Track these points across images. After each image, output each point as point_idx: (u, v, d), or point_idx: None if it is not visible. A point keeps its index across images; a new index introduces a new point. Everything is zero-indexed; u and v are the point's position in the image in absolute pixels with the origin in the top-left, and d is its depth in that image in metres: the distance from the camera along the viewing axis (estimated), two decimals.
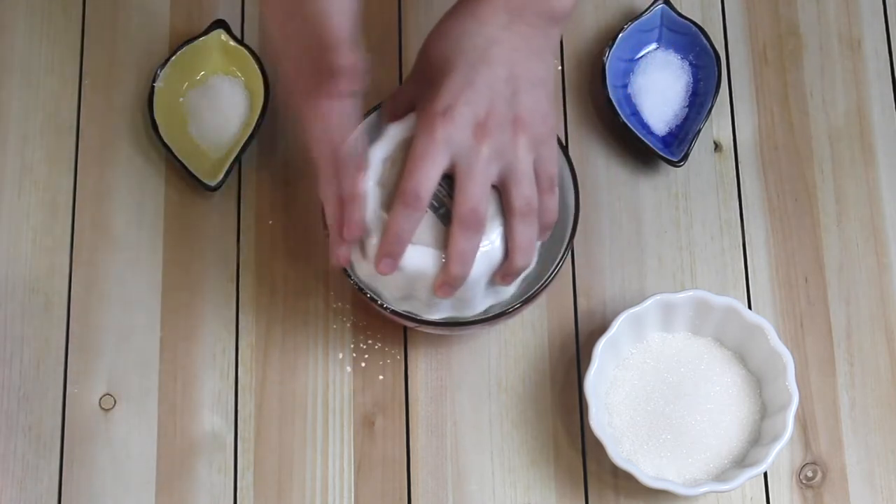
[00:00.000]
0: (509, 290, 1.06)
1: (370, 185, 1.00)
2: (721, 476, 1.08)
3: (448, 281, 0.99)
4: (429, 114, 0.97)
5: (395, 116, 1.03)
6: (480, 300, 1.05)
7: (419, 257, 1.00)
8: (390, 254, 0.99)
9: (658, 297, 1.10)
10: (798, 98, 1.22)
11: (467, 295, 1.03)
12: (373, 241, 1.00)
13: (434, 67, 0.99)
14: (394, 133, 1.02)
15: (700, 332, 1.12)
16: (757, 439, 1.10)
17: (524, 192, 0.98)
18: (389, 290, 1.04)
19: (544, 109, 0.99)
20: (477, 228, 0.98)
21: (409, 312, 1.08)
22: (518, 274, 1.02)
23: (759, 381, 1.11)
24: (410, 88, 1.02)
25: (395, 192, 0.99)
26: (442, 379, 1.15)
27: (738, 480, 1.06)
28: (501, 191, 0.99)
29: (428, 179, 0.96)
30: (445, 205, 0.99)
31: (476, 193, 0.97)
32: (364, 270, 1.04)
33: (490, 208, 0.99)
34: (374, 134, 1.03)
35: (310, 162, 1.00)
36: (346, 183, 0.99)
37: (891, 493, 1.12)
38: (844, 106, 1.22)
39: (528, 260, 1.01)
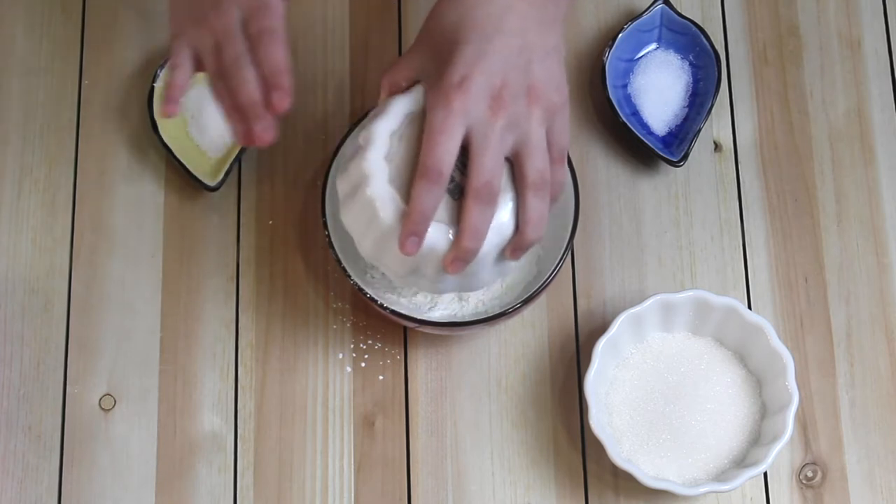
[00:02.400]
0: (514, 265, 1.04)
1: (378, 160, 0.99)
2: (721, 476, 1.08)
3: (460, 256, 0.98)
4: (443, 85, 0.95)
5: (396, 89, 1.01)
6: (487, 275, 1.03)
7: (431, 233, 0.98)
8: (416, 232, 0.97)
9: (658, 297, 1.10)
10: (798, 98, 1.22)
11: (475, 269, 1.01)
12: (380, 215, 0.98)
13: (444, 37, 0.97)
14: (399, 107, 0.99)
15: (700, 332, 1.12)
16: (757, 439, 1.10)
17: (537, 164, 0.97)
18: (394, 267, 1.02)
19: (558, 79, 0.98)
20: (491, 202, 0.96)
21: (408, 312, 1.08)
22: (528, 248, 1.00)
23: (759, 381, 1.11)
24: (414, 60, 1.00)
25: (412, 167, 0.97)
26: (442, 379, 1.15)
27: (738, 480, 1.06)
28: (514, 163, 0.98)
29: (448, 153, 0.95)
30: (454, 178, 0.98)
31: (491, 166, 0.95)
32: (367, 247, 1.02)
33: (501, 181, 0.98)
34: (377, 109, 1.01)
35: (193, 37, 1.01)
36: (278, 55, 0.99)
37: (891, 493, 1.12)
38: (844, 106, 1.22)
39: (540, 233, 0.99)
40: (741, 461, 1.09)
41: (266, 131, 0.99)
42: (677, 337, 1.13)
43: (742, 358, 1.12)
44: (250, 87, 0.99)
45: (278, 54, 0.99)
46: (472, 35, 0.96)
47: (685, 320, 1.12)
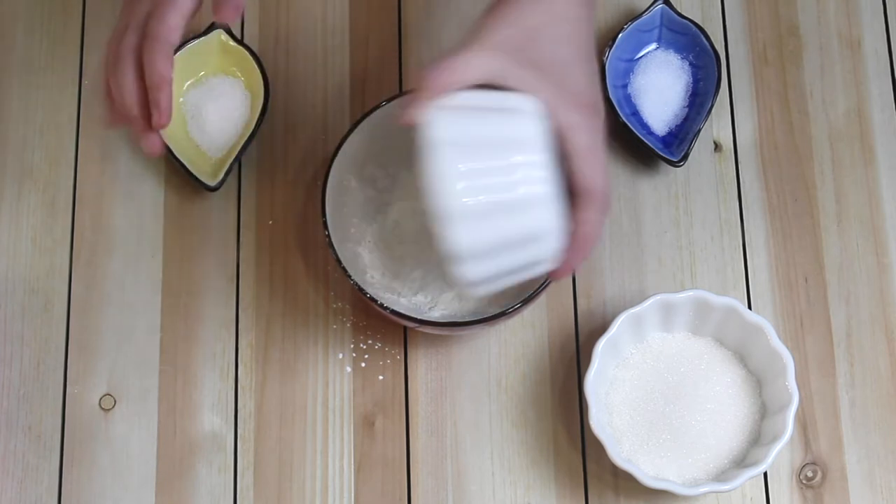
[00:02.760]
0: None
1: (548, 181, 0.92)
2: (721, 476, 1.08)
3: (577, 264, 0.96)
4: (582, 105, 0.94)
5: (445, 90, 0.92)
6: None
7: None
8: (581, 258, 0.96)
9: (658, 297, 1.10)
10: (798, 98, 1.22)
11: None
12: (543, 227, 0.92)
13: (551, 53, 0.95)
14: (534, 129, 0.92)
15: (700, 332, 1.12)
16: (757, 439, 1.10)
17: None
18: (482, 270, 0.94)
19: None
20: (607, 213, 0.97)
21: (408, 312, 1.09)
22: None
23: (759, 381, 1.11)
24: (489, 64, 0.93)
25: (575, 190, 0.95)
26: (442, 379, 1.15)
27: (738, 480, 1.06)
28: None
29: (607, 175, 0.95)
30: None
31: (607, 178, 0.96)
32: (463, 236, 0.92)
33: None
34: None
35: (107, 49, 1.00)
36: (157, 66, 0.97)
37: (891, 493, 1.12)
38: (844, 106, 1.22)
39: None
40: (741, 461, 1.09)
41: (152, 147, 1.01)
42: (677, 337, 1.13)
43: (742, 358, 1.12)
44: (128, 96, 0.99)
45: (159, 65, 0.98)
46: (586, 55, 0.96)
47: (685, 320, 1.12)
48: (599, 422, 1.08)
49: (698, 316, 1.12)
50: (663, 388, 1.11)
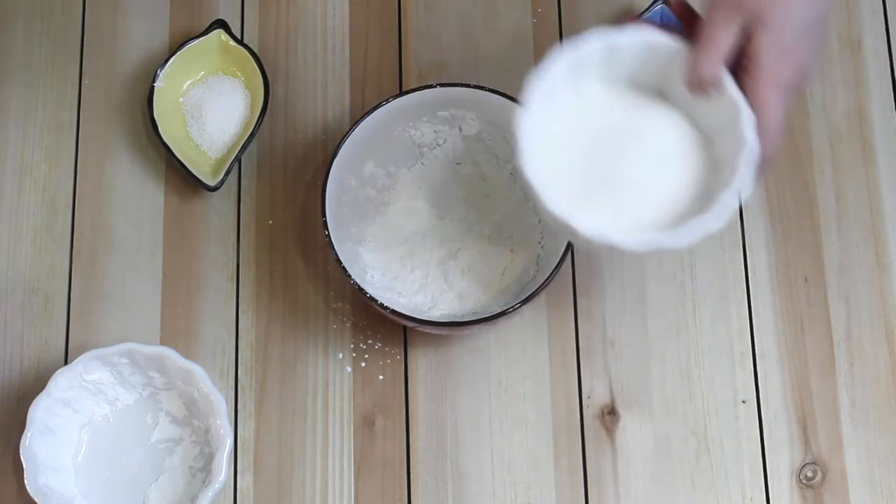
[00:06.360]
0: None
1: None
2: (667, 229, 0.95)
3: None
4: (789, 82, 0.97)
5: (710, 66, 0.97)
6: None
7: None
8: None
9: (601, 38, 0.97)
10: (798, 98, 1.22)
11: None
12: None
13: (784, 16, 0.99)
14: None
15: (645, 82, 1.00)
16: (705, 193, 0.97)
17: None
18: None
19: None
20: None
21: (408, 312, 1.09)
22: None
23: (709, 138, 0.99)
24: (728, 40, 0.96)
25: None
26: (442, 379, 1.15)
27: (685, 235, 0.94)
28: None
29: (779, 146, 0.98)
30: None
31: (778, 150, 0.98)
32: None
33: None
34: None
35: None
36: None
37: (891, 493, 1.12)
38: (844, 106, 1.22)
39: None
40: (688, 215, 0.96)
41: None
42: (618, 87, 0.99)
43: (690, 112, 0.99)
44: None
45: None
46: (817, 18, 1.01)
47: (629, 69, 0.99)
48: (534, 168, 0.94)
49: (645, 64, 0.98)
50: (604, 141, 0.98)
